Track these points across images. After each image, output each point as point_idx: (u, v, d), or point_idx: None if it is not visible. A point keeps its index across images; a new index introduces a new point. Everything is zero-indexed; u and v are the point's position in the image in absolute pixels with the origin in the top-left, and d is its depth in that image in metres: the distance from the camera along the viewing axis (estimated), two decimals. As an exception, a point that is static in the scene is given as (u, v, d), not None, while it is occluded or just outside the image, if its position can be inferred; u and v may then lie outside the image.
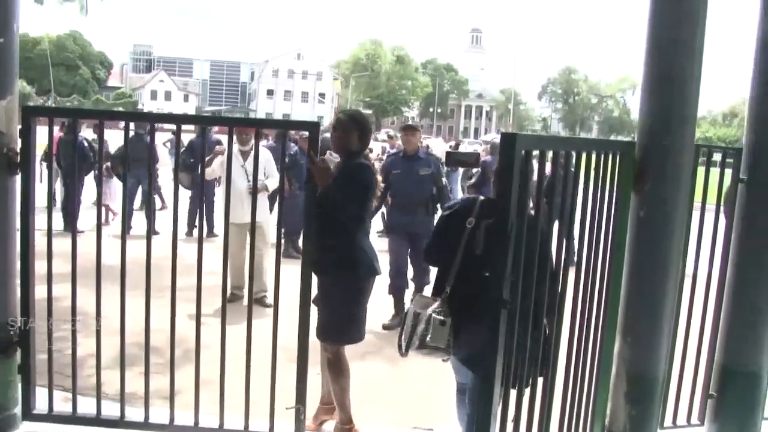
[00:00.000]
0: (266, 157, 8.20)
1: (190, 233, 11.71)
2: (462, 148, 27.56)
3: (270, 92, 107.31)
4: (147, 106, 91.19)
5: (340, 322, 4.41)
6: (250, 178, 7.22)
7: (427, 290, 5.16)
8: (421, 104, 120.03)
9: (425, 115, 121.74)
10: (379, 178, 4.66)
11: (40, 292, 4.12)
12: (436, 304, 3.66)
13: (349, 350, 4.65)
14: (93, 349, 4.16)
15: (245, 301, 6.05)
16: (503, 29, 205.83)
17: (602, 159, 3.35)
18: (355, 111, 5.03)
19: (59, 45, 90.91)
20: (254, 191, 4.31)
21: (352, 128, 4.47)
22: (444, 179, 7.90)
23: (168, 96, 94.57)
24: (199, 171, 5.47)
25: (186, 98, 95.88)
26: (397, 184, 7.46)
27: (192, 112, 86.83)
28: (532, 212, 3.18)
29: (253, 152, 6.24)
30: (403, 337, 3.76)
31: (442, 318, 3.59)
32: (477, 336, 3.31)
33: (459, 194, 14.38)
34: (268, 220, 8.58)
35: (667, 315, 3.76)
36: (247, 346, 4.11)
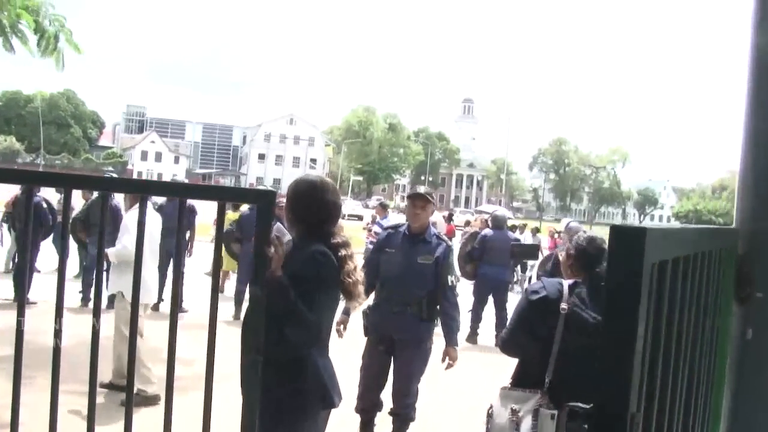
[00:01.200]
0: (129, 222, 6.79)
1: (156, 308, 10.67)
2: (455, 218, 26.76)
3: (261, 156, 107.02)
4: (137, 166, 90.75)
5: None
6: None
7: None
8: (413, 172, 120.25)
9: (416, 182, 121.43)
10: (354, 267, 3.34)
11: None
12: (537, 397, 3.41)
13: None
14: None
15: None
16: (495, 99, 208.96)
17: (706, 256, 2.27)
18: (301, 178, 3.58)
19: (52, 103, 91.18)
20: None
21: (291, 198, 3.40)
22: (452, 277, 5.67)
23: (159, 157, 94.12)
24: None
25: (177, 160, 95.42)
26: (388, 268, 5.58)
27: (182, 173, 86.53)
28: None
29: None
30: None
31: (551, 411, 3.33)
32: None
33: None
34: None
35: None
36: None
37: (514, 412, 3.43)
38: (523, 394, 3.49)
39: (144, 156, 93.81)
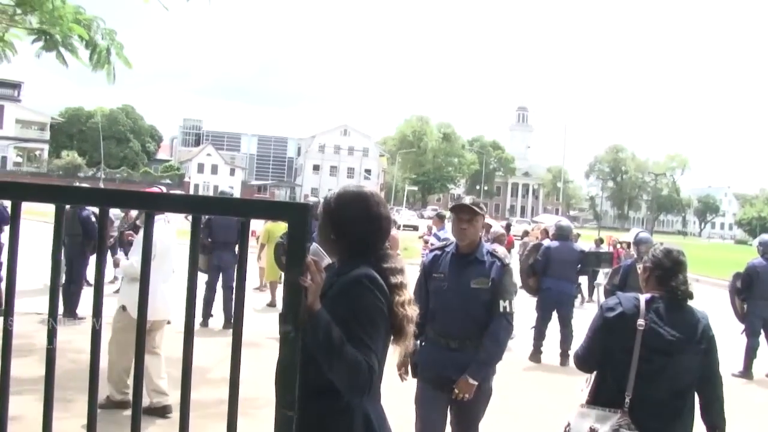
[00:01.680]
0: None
1: (205, 323, 10.69)
2: (512, 228, 26.25)
3: (316, 167, 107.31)
4: (194, 179, 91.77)
5: None
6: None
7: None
8: (467, 182, 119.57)
9: (471, 192, 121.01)
10: (409, 300, 2.63)
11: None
12: (617, 417, 3.35)
13: None
14: None
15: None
16: (550, 107, 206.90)
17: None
18: (345, 187, 2.82)
19: (111, 118, 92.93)
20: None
21: (333, 209, 2.70)
22: (506, 303, 4.52)
23: (215, 169, 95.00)
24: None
25: (232, 172, 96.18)
26: (438, 296, 4.63)
27: (238, 185, 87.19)
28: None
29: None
30: None
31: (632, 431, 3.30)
32: None
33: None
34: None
35: None
36: None
37: (593, 430, 3.36)
38: (603, 413, 3.40)
39: (200, 168, 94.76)
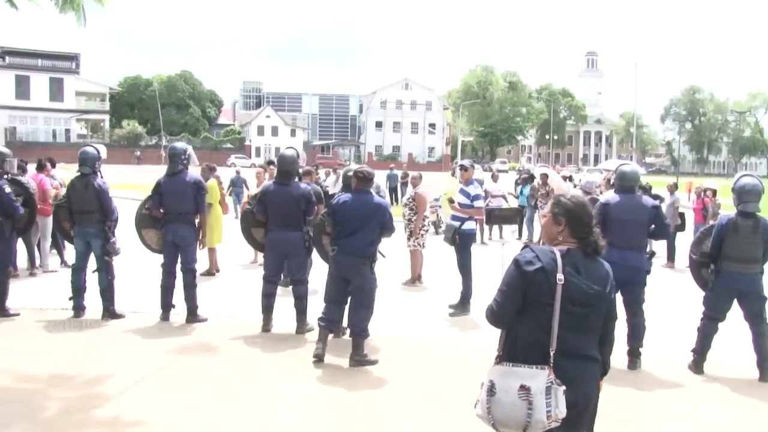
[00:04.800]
0: None
1: (165, 316, 9.00)
2: (582, 177, 23.22)
3: (379, 124, 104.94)
4: (254, 141, 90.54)
5: None
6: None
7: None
8: (537, 132, 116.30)
9: (542, 142, 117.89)
10: None
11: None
12: (547, 373, 3.34)
13: None
14: None
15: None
16: (620, 50, 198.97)
17: None
18: None
19: (170, 85, 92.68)
20: None
21: None
22: None
23: (275, 131, 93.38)
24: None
25: (293, 133, 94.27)
26: None
27: (300, 146, 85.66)
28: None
29: None
30: (499, 415, 3.36)
31: (563, 387, 3.33)
32: (585, 398, 3.46)
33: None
34: None
35: None
36: None
37: (524, 388, 3.32)
38: (530, 371, 3.38)
39: (260, 131, 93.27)
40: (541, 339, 3.42)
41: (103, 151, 9.00)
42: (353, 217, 7.13)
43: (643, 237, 7.55)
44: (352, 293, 7.29)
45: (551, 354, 3.37)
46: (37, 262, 12.04)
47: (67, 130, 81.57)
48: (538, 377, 3.32)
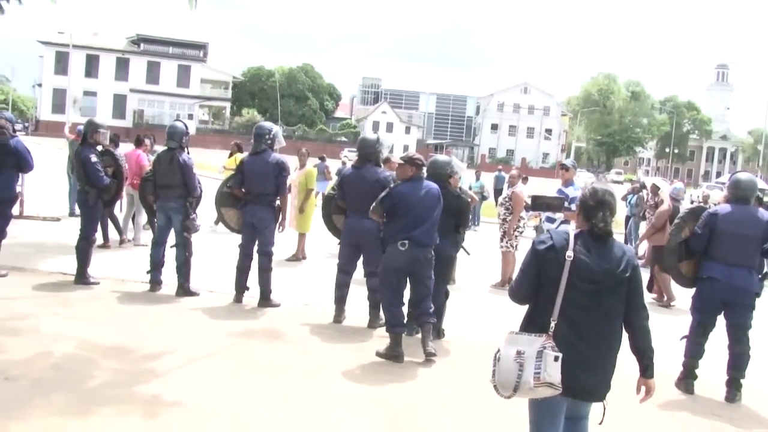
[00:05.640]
0: None
1: (239, 298, 8.89)
2: (699, 193, 21.99)
3: (494, 127, 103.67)
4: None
5: None
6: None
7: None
8: (657, 144, 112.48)
9: (662, 156, 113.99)
10: None
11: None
12: (543, 340, 3.57)
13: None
14: None
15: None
16: (754, 65, 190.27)
17: None
18: None
19: (291, 77, 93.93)
20: None
21: None
22: None
23: (390, 127, 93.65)
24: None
25: (407, 130, 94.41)
26: None
27: (413, 144, 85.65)
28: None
29: None
30: (500, 378, 3.62)
31: (555, 353, 3.51)
32: (599, 367, 3.66)
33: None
34: None
35: None
36: None
37: (519, 353, 3.55)
38: (529, 338, 3.62)
39: (375, 127, 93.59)
40: (549, 312, 3.66)
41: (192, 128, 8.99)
42: (420, 205, 6.79)
43: (755, 254, 6.69)
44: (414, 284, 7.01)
45: (552, 324, 3.62)
46: (130, 235, 12.23)
47: (190, 115, 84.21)
48: (535, 343, 3.57)
